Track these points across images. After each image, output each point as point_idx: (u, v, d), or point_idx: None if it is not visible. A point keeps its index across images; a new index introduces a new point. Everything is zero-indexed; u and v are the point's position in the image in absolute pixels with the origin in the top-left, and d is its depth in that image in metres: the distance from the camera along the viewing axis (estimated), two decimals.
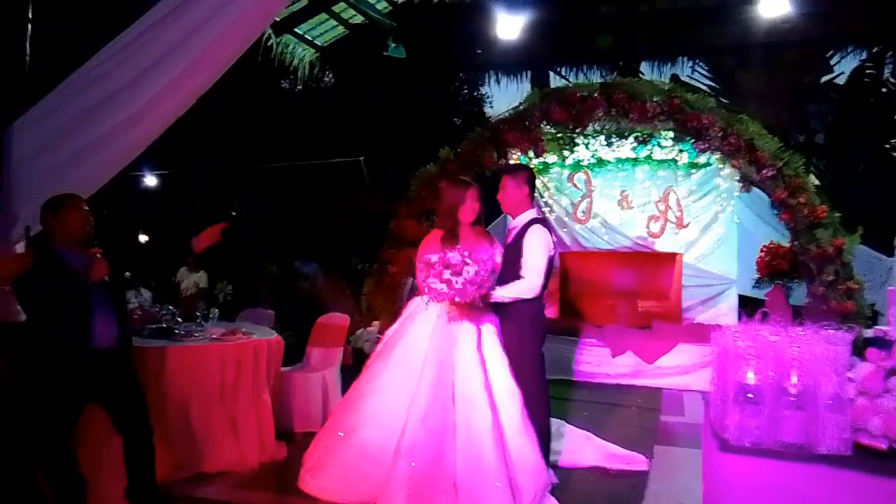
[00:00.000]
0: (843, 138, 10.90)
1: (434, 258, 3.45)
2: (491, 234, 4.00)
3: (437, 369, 3.48)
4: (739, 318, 7.69)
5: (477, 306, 3.52)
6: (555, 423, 4.40)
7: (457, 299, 3.41)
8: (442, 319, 3.57)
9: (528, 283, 3.63)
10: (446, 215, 3.78)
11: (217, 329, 4.62)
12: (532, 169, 4.14)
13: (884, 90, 10.99)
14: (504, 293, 3.61)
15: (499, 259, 3.79)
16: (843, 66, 11.08)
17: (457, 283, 3.34)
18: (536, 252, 3.67)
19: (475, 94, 12.79)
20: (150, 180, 10.32)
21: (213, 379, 4.15)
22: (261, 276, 8.60)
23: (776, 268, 6.45)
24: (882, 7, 9.09)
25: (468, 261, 3.39)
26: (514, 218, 3.90)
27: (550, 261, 3.74)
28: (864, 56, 10.80)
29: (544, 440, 3.72)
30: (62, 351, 3.20)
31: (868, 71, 10.97)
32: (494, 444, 3.36)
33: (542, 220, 3.82)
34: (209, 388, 4.15)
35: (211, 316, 5.00)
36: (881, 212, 9.06)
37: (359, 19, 9.72)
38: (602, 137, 7.92)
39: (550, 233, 3.80)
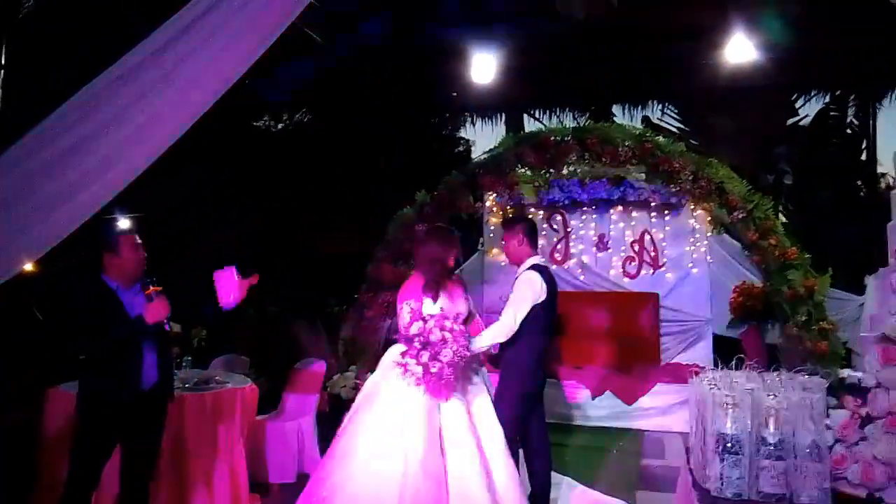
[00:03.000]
0: (811, 179, 11.17)
1: (414, 329, 3.41)
2: (463, 282, 4.00)
3: (426, 414, 3.44)
4: (715, 359, 7.81)
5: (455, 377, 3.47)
6: None
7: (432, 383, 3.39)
8: None
9: (503, 323, 3.67)
10: (433, 262, 3.76)
11: (190, 377, 4.53)
12: (530, 220, 4.26)
13: (848, 131, 11.31)
14: (482, 341, 3.62)
15: (469, 309, 3.80)
16: (808, 109, 11.43)
17: (433, 367, 3.31)
18: (518, 295, 3.73)
19: (455, 135, 12.94)
20: (124, 223, 10.20)
21: (186, 430, 4.06)
22: (235, 321, 8.47)
23: (750, 308, 6.52)
24: (842, 53, 9.46)
25: (448, 336, 3.35)
26: (517, 268, 3.96)
27: (538, 307, 3.73)
28: (827, 99, 11.18)
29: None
30: (110, 391, 3.12)
31: (832, 113, 11.31)
32: (486, 492, 3.31)
33: (541, 268, 3.87)
34: (182, 440, 4.05)
35: (184, 364, 4.91)
36: (850, 251, 9.25)
37: (335, 62, 9.83)
38: (576, 180, 8.01)
39: (548, 280, 3.82)
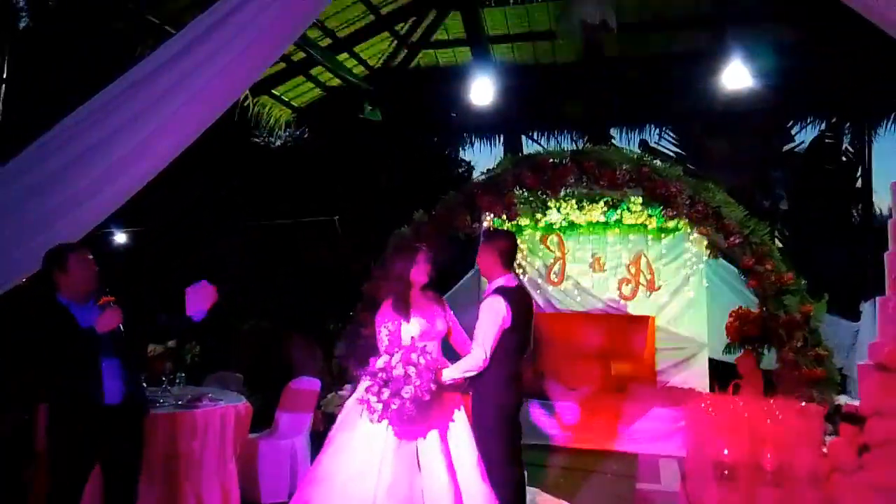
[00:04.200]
0: (806, 204, 11.23)
1: (379, 363, 3.39)
2: (441, 297, 3.95)
3: (398, 438, 3.43)
4: (711, 382, 7.81)
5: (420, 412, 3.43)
6: (530, 491, 4.33)
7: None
8: None
9: (474, 357, 3.60)
10: (396, 279, 3.75)
11: (183, 394, 4.50)
12: (512, 235, 4.09)
13: (843, 159, 11.40)
14: (453, 374, 3.58)
15: (448, 324, 3.80)
16: (804, 136, 11.52)
17: (394, 404, 3.28)
18: (483, 324, 3.64)
19: (455, 156, 13.01)
20: (120, 237, 10.19)
21: (178, 449, 4.02)
22: (230, 337, 8.44)
23: (746, 333, 6.50)
24: (838, 81, 9.56)
25: (412, 371, 3.31)
26: (488, 283, 3.92)
27: (507, 331, 3.67)
28: (822, 126, 11.27)
29: None
30: (72, 409, 3.10)
31: (827, 140, 11.40)
32: None
33: (506, 290, 3.76)
34: (173, 458, 4.01)
35: (177, 381, 4.88)
36: (845, 276, 9.28)
37: (336, 82, 9.91)
38: (573, 202, 8.04)
39: (514, 303, 3.73)
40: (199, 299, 3.53)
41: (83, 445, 3.14)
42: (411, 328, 3.60)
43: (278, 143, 11.90)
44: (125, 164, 4.09)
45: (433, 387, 3.38)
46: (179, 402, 4.27)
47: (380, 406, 3.32)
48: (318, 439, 5.19)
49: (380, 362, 3.41)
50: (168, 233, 9.89)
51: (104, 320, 3.18)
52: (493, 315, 3.64)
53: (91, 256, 3.33)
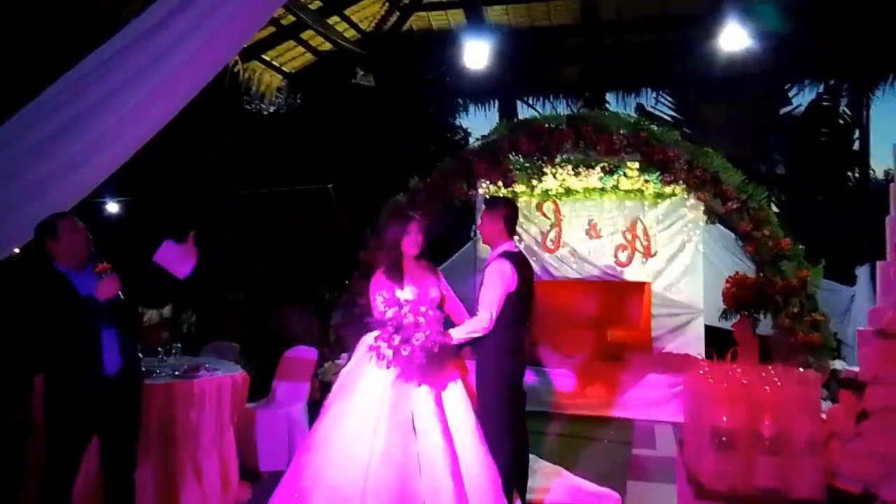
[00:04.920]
0: (803, 168, 11.18)
1: (389, 313, 3.43)
2: (434, 266, 3.94)
3: (393, 403, 3.45)
4: (707, 349, 7.84)
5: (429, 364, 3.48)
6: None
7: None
8: None
9: (480, 319, 3.64)
10: (390, 248, 3.77)
11: (180, 364, 4.48)
12: (513, 203, 4.10)
13: (840, 122, 11.32)
14: (459, 334, 3.61)
15: (442, 292, 3.80)
16: (801, 99, 11.42)
17: (404, 350, 3.34)
18: (489, 287, 3.67)
19: (451, 122, 12.86)
20: (112, 207, 10.10)
21: (175, 418, 4.01)
22: (226, 307, 8.42)
23: (742, 299, 6.51)
24: (835, 43, 9.45)
25: (421, 321, 3.37)
26: (492, 250, 3.91)
27: (512, 296, 3.69)
28: (820, 89, 11.17)
29: (509, 477, 3.67)
30: (72, 379, 3.08)
31: (824, 103, 11.30)
32: (451, 480, 3.32)
33: (511, 255, 3.80)
34: (170, 428, 4.01)
35: (173, 351, 4.86)
36: (841, 241, 9.28)
37: (327, 47, 9.73)
38: (569, 167, 7.97)
39: (519, 267, 3.77)
40: (178, 258, 3.52)
41: (81, 415, 3.13)
42: (405, 296, 3.61)
43: (271, 109, 11.74)
44: (115, 132, 4.00)
45: (440, 339, 3.43)
46: (176, 373, 4.25)
47: (390, 352, 3.36)
48: (315, 408, 5.21)
49: (389, 312, 3.45)
50: (160, 201, 9.79)
51: (104, 288, 3.16)
52: (499, 277, 3.66)
53: (81, 223, 3.29)
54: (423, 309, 3.44)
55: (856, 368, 2.89)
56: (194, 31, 3.99)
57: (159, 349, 4.77)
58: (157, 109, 4.14)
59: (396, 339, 3.36)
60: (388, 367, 3.42)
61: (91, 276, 3.20)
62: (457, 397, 3.63)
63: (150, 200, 10.01)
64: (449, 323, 3.76)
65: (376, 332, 3.49)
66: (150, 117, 4.14)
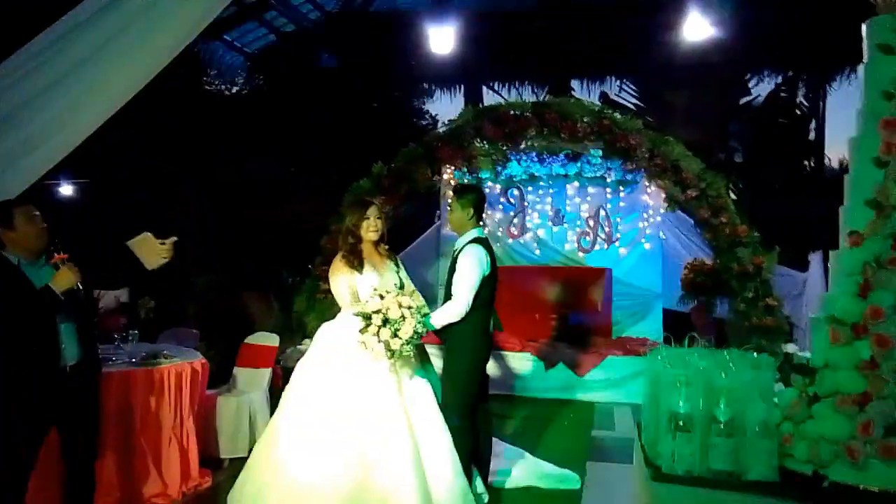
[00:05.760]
0: (760, 157, 11.43)
1: (373, 306, 3.38)
2: (393, 254, 3.93)
3: (356, 389, 3.45)
4: (664, 332, 7.99)
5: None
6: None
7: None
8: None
9: (458, 303, 3.67)
10: (347, 234, 3.73)
11: (137, 351, 4.39)
12: (481, 190, 4.15)
13: (797, 112, 11.59)
14: (436, 320, 3.63)
15: (401, 281, 3.79)
16: (760, 89, 11.65)
17: (394, 344, 3.33)
18: (467, 272, 3.70)
19: (419, 107, 12.75)
20: (67, 189, 9.81)
21: (133, 407, 3.94)
22: (185, 291, 8.26)
23: (700, 284, 6.67)
24: (794, 34, 9.64)
25: (406, 313, 3.35)
26: (459, 237, 3.92)
27: (485, 279, 3.73)
28: (778, 80, 11.42)
29: (469, 458, 3.72)
30: (29, 371, 2.98)
31: (782, 94, 11.56)
32: (414, 471, 3.34)
33: (482, 241, 3.83)
34: (129, 417, 3.94)
35: (130, 338, 4.76)
36: (795, 228, 9.54)
37: (291, 27, 9.57)
38: (534, 154, 8.02)
39: (490, 252, 3.81)
40: (152, 252, 3.41)
41: (38, 408, 3.04)
42: (364, 282, 3.60)
43: (234, 90, 11.50)
44: (71, 113, 3.88)
45: (424, 329, 3.43)
46: (133, 360, 4.16)
47: (381, 346, 3.33)
48: (277, 395, 5.18)
49: (373, 304, 3.40)
50: (115, 184, 9.54)
51: (61, 279, 3.04)
52: (475, 262, 3.69)
53: (37, 212, 3.16)
54: (404, 300, 3.41)
55: (808, 354, 2.96)
56: (152, 8, 3.88)
57: (115, 336, 4.66)
58: (113, 90, 4.02)
59: (385, 334, 3.33)
60: (377, 360, 3.40)
61: (46, 266, 3.09)
62: (420, 382, 3.64)
63: (107, 183, 9.75)
64: None
65: (344, 321, 3.48)
66: (107, 98, 4.02)
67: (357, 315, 3.44)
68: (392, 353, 3.35)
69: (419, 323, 3.40)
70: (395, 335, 3.32)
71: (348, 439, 3.34)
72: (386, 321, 3.34)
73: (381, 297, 3.42)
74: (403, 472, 3.32)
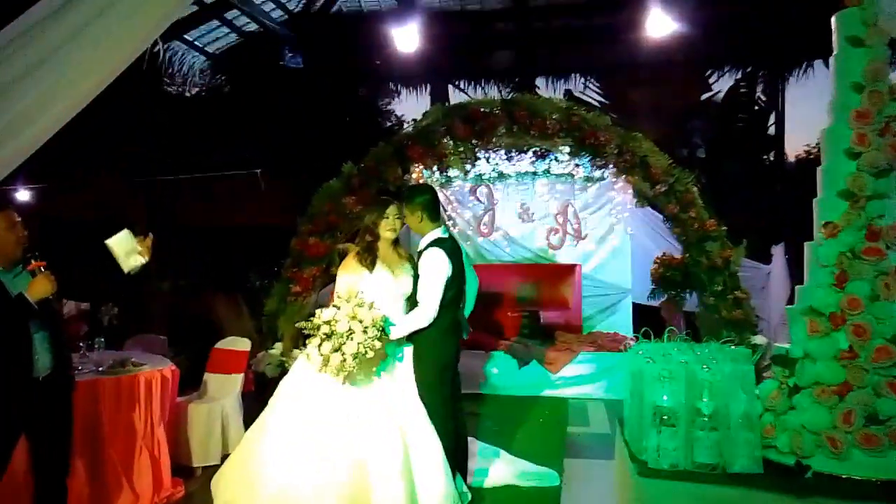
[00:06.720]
0: (722, 153, 11.64)
1: (327, 315, 3.34)
2: (411, 256, 3.90)
3: (336, 399, 3.42)
4: (634, 326, 8.08)
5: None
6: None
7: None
8: None
9: (423, 312, 3.63)
10: (365, 231, 3.75)
11: (104, 359, 4.26)
12: (429, 188, 4.03)
13: (756, 107, 11.82)
14: (400, 331, 3.59)
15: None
16: (721, 85, 11.86)
17: (334, 359, 3.26)
18: (428, 280, 3.65)
19: (385, 108, 12.65)
20: (23, 195, 9.48)
21: (102, 417, 3.82)
22: (150, 296, 8.06)
23: (670, 278, 6.74)
24: (752, 32, 9.84)
25: (356, 327, 3.28)
26: (422, 237, 3.88)
27: (448, 281, 3.68)
28: (738, 76, 11.63)
29: (452, 460, 3.68)
30: (2, 383, 2.85)
31: (742, 90, 11.78)
32: (402, 474, 3.32)
33: (441, 242, 3.75)
34: (97, 427, 3.81)
35: (96, 345, 4.61)
36: (757, 221, 9.72)
37: (253, 27, 9.41)
38: (503, 152, 8.02)
39: (451, 254, 3.73)
40: (130, 252, 3.31)
41: (9, 418, 2.92)
42: (371, 279, 3.58)
43: (194, 91, 11.25)
44: (26, 117, 3.72)
45: (377, 344, 3.34)
46: (101, 369, 4.03)
47: (319, 359, 3.29)
48: (249, 400, 5.07)
49: (326, 314, 3.35)
50: (78, 188, 9.26)
51: (37, 287, 2.92)
52: (435, 268, 3.64)
53: (17, 217, 3.03)
54: (361, 312, 3.33)
55: (781, 344, 3.01)
56: (110, 8, 3.74)
57: (80, 344, 4.51)
58: (71, 93, 3.87)
59: (327, 347, 3.27)
60: (318, 372, 3.34)
61: (23, 274, 2.96)
62: (400, 384, 3.60)
63: (67, 186, 9.46)
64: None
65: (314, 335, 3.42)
66: (65, 101, 3.87)
67: (303, 325, 3.38)
68: (331, 369, 3.28)
69: (370, 339, 3.31)
70: (337, 349, 3.25)
71: (336, 446, 3.29)
72: (330, 335, 3.27)
73: (338, 308, 3.36)
74: (391, 476, 3.28)
